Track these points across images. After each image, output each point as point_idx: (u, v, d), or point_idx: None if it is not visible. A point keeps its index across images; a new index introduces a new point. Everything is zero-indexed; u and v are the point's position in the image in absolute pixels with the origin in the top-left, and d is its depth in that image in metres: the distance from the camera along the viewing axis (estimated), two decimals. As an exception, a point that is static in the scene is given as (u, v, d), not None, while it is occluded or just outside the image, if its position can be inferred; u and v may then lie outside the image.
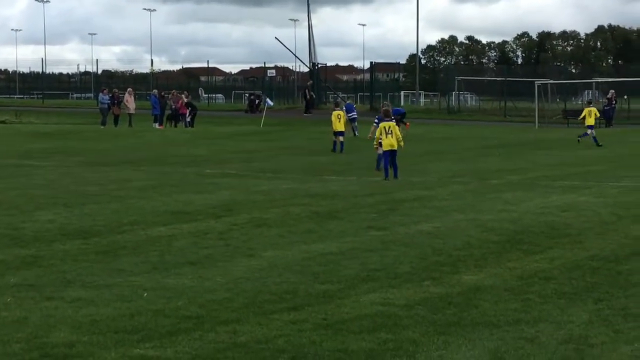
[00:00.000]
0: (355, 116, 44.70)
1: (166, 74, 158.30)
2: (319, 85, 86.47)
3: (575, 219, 17.07)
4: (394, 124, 25.03)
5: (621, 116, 66.72)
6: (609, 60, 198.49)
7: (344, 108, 38.93)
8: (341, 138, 35.54)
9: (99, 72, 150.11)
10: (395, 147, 24.46)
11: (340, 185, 22.61)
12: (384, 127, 24.63)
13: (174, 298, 10.58)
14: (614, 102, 62.01)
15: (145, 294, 10.78)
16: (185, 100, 58.24)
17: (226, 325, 9.29)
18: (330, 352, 8.43)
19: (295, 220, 16.95)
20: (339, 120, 35.94)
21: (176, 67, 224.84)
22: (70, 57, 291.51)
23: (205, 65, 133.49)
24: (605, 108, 61.43)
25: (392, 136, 24.46)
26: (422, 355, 8.37)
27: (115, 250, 13.76)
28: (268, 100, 65.97)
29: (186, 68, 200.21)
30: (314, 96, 77.81)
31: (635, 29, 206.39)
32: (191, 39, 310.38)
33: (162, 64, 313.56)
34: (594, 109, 40.79)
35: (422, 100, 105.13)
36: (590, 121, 39.89)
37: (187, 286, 11.26)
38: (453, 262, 12.86)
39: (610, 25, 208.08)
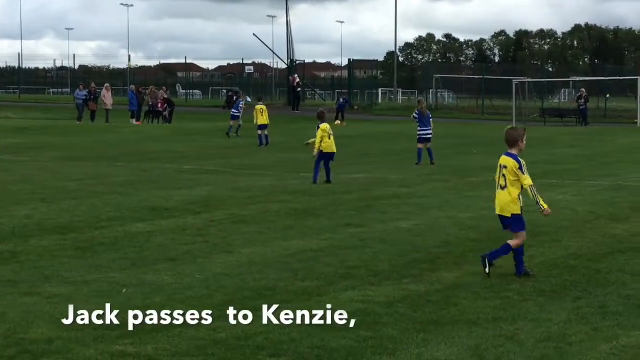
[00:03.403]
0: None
1: (143, 69, 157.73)
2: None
3: (553, 217, 17.08)
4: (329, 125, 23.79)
5: (598, 115, 67.01)
6: (586, 59, 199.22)
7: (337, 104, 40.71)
8: (266, 132, 37.58)
9: (76, 67, 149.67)
10: (335, 150, 23.31)
11: (319, 182, 22.56)
12: (326, 128, 23.30)
13: (153, 294, 10.55)
14: (583, 100, 62.25)
15: (124, 290, 10.74)
16: (165, 96, 58.15)
17: (206, 322, 9.26)
18: (309, 350, 8.42)
19: (274, 217, 16.94)
20: (261, 114, 37.83)
21: (153, 63, 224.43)
22: (46, 52, 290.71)
23: (182, 61, 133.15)
24: (582, 108, 61.69)
25: (332, 138, 23.29)
26: (402, 353, 8.38)
27: (94, 246, 13.71)
28: (247, 97, 66.01)
29: (163, 64, 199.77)
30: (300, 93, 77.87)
31: (611, 28, 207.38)
32: (168, 35, 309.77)
33: (139, 60, 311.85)
34: None
35: (400, 97, 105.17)
36: None
37: (166, 282, 11.23)
38: (432, 259, 12.88)
39: (587, 24, 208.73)
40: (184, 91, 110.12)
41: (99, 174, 24.69)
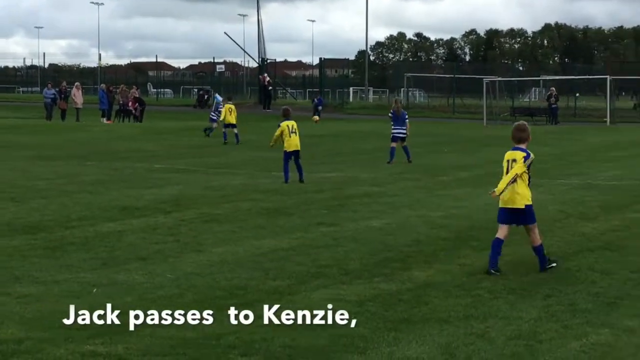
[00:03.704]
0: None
1: (114, 68, 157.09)
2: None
3: (523, 215, 17.16)
4: (296, 123, 23.12)
5: (568, 114, 67.35)
6: (556, 58, 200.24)
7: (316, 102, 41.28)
8: (235, 130, 38.20)
9: (46, 65, 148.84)
10: (299, 148, 22.97)
11: (290, 180, 22.53)
12: (287, 126, 22.87)
13: (124, 294, 10.52)
14: (553, 99, 62.58)
15: (95, 290, 10.70)
16: (136, 95, 57.96)
17: (177, 321, 9.23)
18: (281, 348, 8.42)
19: (245, 216, 16.92)
20: (230, 113, 38.37)
21: (124, 61, 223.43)
22: (16, 51, 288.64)
23: (153, 60, 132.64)
24: (553, 106, 62.02)
25: (296, 135, 22.91)
26: (373, 352, 8.39)
27: (64, 245, 13.64)
28: (217, 95, 65.79)
29: (134, 63, 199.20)
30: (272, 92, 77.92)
31: (581, 27, 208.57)
32: (138, 33, 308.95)
33: (110, 59, 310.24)
34: None
35: (371, 96, 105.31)
36: None
37: (137, 282, 11.20)
38: (403, 258, 12.91)
39: (556, 24, 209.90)
40: (155, 90, 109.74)
41: (69, 172, 24.57)
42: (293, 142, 22.81)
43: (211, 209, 17.63)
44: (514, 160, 11.99)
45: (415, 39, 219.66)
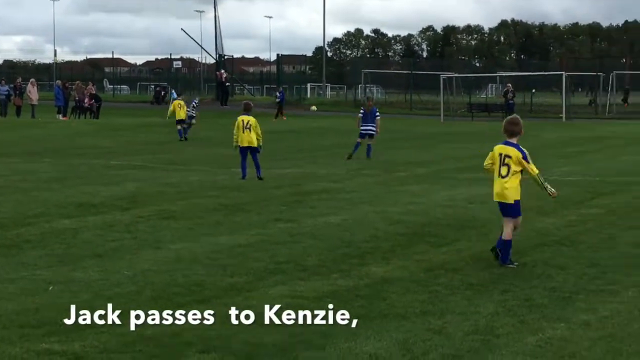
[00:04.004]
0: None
1: (70, 64, 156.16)
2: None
3: (481, 211, 17.28)
4: (254, 119, 22.62)
5: (524, 110, 67.78)
6: (512, 55, 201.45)
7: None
8: (179, 126, 38.16)
9: (0, 62, 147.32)
10: (255, 144, 22.48)
11: (248, 177, 22.49)
12: (242, 121, 22.53)
13: (80, 292, 10.45)
14: (511, 94, 63.03)
15: (51, 288, 10.62)
16: (92, 91, 57.62)
17: (134, 319, 9.18)
18: (239, 345, 8.40)
19: (203, 212, 16.86)
20: (179, 108, 38.46)
21: (80, 57, 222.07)
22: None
23: (109, 56, 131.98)
24: (509, 102, 62.41)
25: (250, 132, 22.47)
26: (332, 347, 8.39)
27: (20, 243, 13.52)
28: (173, 92, 65.74)
29: (90, 59, 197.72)
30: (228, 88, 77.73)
31: (537, 24, 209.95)
32: (94, 29, 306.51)
33: (65, 55, 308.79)
34: None
35: (328, 92, 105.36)
36: None
37: (94, 279, 11.12)
38: (361, 254, 12.92)
39: (513, 20, 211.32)
40: (111, 86, 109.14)
41: (24, 169, 24.37)
42: (245, 138, 22.51)
43: (168, 206, 17.56)
44: (508, 156, 12.20)
45: (373, 35, 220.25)
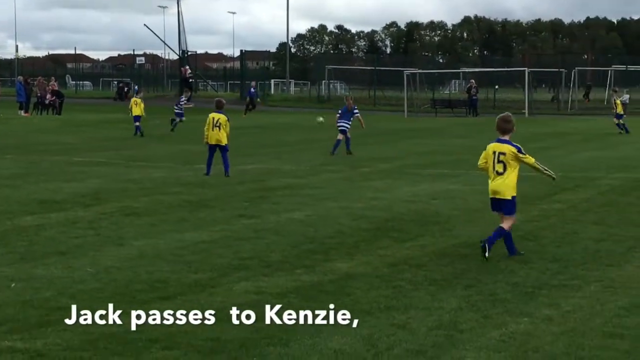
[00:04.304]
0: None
1: (32, 60, 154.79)
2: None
3: (444, 206, 17.35)
4: (225, 117, 22.44)
5: (487, 105, 68.10)
6: (475, 51, 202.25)
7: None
8: (137, 122, 38.25)
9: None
10: (223, 142, 22.38)
11: (213, 173, 22.42)
12: (213, 118, 22.38)
13: (43, 289, 10.38)
14: (474, 90, 63.32)
15: (13, 285, 10.54)
16: (55, 87, 57.29)
17: (98, 316, 9.13)
18: (203, 342, 8.38)
19: (166, 209, 16.81)
20: (135, 105, 38.71)
21: (42, 53, 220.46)
22: None
23: (72, 51, 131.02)
24: (473, 98, 62.71)
25: (219, 130, 22.28)
26: (295, 344, 8.38)
27: (-19, 240, 13.41)
28: (136, 87, 65.54)
29: (52, 54, 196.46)
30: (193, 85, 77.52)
31: (499, 20, 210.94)
32: (56, 25, 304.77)
33: (27, 50, 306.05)
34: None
35: (292, 88, 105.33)
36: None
37: (56, 276, 11.05)
38: (325, 250, 12.93)
39: (476, 16, 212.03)
40: (74, 82, 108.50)
41: (-14, 166, 24.16)
42: (214, 136, 22.45)
43: (132, 202, 17.48)
44: (502, 153, 12.44)
45: (336, 31, 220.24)
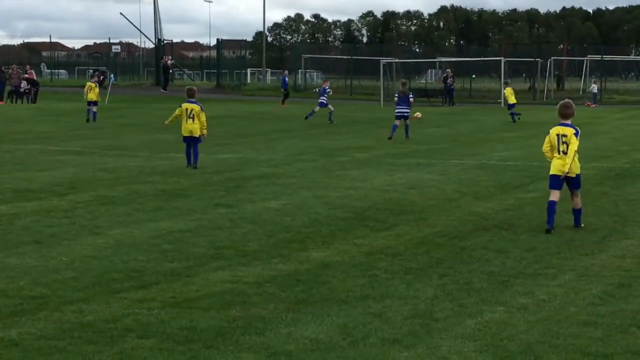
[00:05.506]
0: None
1: (6, 48, 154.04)
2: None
3: (420, 196, 17.38)
4: (198, 107, 21.99)
5: (463, 95, 68.22)
6: (452, 40, 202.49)
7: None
8: (94, 108, 39.02)
9: None
10: (196, 134, 21.89)
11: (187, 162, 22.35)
12: (186, 109, 22.01)
13: (17, 278, 10.33)
14: (451, 80, 63.46)
15: (-13, 274, 10.49)
16: (29, 75, 56.97)
17: (72, 305, 9.12)
18: (178, 330, 8.37)
19: (142, 198, 16.76)
20: (90, 90, 39.37)
21: (16, 41, 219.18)
22: None
23: (47, 40, 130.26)
24: (450, 87, 62.83)
25: (193, 121, 21.89)
26: (271, 332, 8.38)
27: (-45, 229, 13.34)
28: (111, 76, 65.29)
29: (27, 43, 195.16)
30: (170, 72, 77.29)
31: (476, 9, 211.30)
32: (30, 13, 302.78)
33: (1, 39, 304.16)
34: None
35: (269, 78, 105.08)
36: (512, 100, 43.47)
37: (31, 265, 11.01)
38: (301, 239, 12.93)
39: (452, 6, 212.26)
40: (49, 71, 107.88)
41: (-40, 155, 24.03)
42: (187, 128, 22.00)
43: (107, 191, 17.43)
44: (564, 135, 13.81)
45: (313, 20, 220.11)
